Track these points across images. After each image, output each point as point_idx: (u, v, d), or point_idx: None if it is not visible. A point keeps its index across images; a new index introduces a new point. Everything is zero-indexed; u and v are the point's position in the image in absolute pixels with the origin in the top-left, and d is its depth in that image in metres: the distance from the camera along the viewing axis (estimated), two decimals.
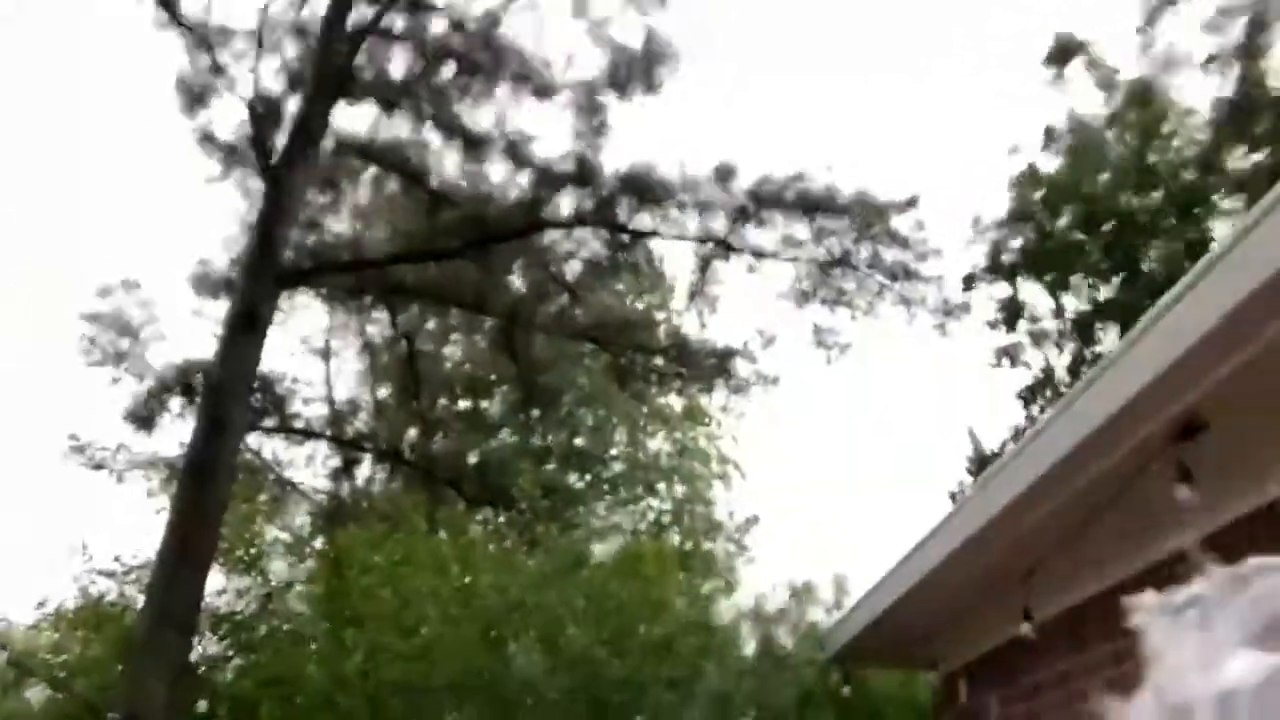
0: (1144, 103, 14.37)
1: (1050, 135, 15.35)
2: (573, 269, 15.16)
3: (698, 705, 6.13)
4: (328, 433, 17.04)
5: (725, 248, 11.98)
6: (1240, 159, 13.96)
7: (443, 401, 21.12)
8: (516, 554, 7.25)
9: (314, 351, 18.49)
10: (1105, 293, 14.41)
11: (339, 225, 18.17)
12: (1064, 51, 15.15)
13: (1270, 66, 14.10)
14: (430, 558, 6.83)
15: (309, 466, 16.14)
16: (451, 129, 15.33)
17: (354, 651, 6.17)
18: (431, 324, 20.84)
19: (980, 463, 14.14)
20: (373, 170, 16.33)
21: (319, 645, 6.77)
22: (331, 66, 12.93)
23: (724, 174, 11.74)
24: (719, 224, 12.04)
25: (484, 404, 21.43)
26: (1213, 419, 2.72)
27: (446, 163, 15.85)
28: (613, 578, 6.69)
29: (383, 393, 21.55)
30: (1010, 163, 15.44)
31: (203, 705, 7.12)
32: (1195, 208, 13.81)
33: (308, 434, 16.07)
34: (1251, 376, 2.47)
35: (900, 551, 4.67)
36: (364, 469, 18.73)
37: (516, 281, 15.66)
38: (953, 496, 14.47)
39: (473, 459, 17.46)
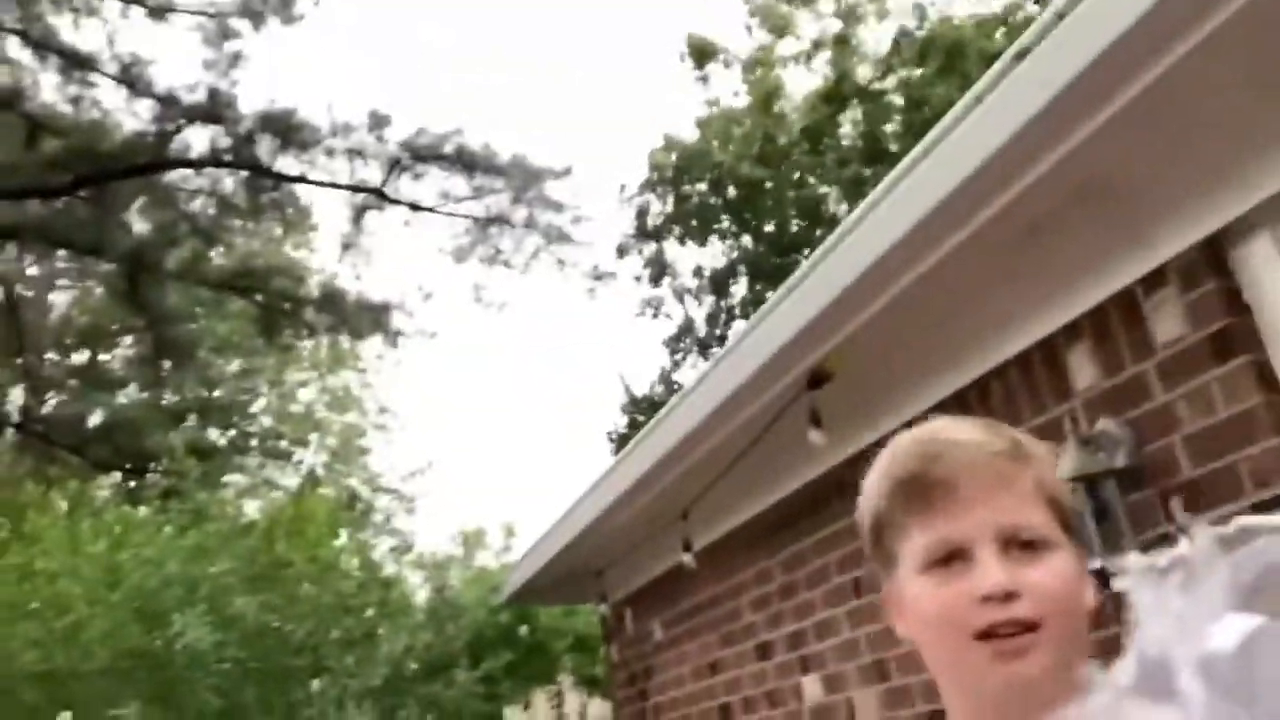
0: (763, 90, 15.86)
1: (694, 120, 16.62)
2: (206, 211, 14.04)
3: (375, 662, 6.18)
4: None
5: (380, 198, 11.73)
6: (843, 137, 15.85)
7: (53, 356, 18.78)
8: (167, 523, 6.79)
9: None
10: (735, 252, 15.87)
11: None
12: (699, 52, 16.42)
13: (859, 55, 16.16)
14: (64, 533, 6.23)
15: None
16: (46, 45, 13.46)
17: None
18: (34, 268, 18.38)
19: (633, 404, 15.14)
20: None
21: None
22: None
23: (377, 121, 11.47)
24: (373, 174, 11.77)
25: (103, 358, 19.34)
26: (836, 371, 3.22)
27: (46, 88, 13.97)
28: (277, 539, 6.49)
29: None
30: (654, 139, 16.62)
31: None
32: (804, 176, 15.54)
33: None
34: (865, 338, 2.97)
35: (567, 495, 5.02)
36: None
37: (139, 223, 14.24)
38: (609, 436, 15.40)
39: (95, 420, 15.76)
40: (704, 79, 16.73)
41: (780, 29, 16.54)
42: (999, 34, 14.46)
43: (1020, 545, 0.94)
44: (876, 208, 2.70)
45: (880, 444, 3.49)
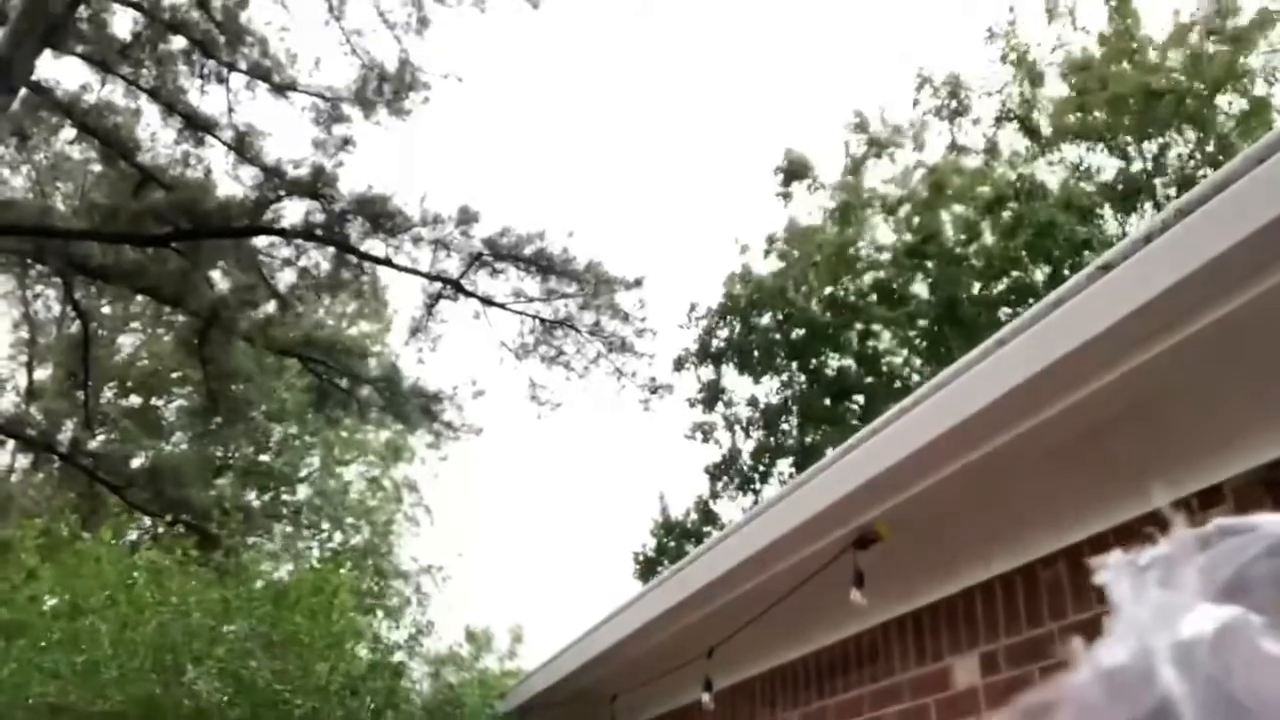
0: (842, 240, 16.16)
1: (771, 241, 16.96)
2: (287, 280, 14.54)
3: None
4: None
5: (456, 289, 12.11)
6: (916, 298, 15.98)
7: (111, 395, 19.26)
8: (198, 575, 6.87)
9: None
10: (789, 389, 15.94)
11: (19, 180, 16.28)
12: (792, 170, 16.86)
13: (942, 214, 16.46)
14: (97, 570, 6.33)
15: None
16: (172, 105, 14.29)
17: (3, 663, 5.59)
18: (109, 308, 19.05)
19: (665, 528, 15.05)
20: (73, 132, 14.86)
21: None
22: (44, 5, 11.78)
23: (466, 217, 11.91)
24: (453, 265, 12.18)
25: (157, 403, 19.77)
26: (886, 536, 3.26)
27: (161, 143, 14.73)
28: (298, 609, 6.52)
29: (40, 375, 19.33)
30: (731, 260, 16.91)
31: None
32: (873, 326, 15.68)
33: None
34: (918, 505, 3.03)
35: (581, 607, 5.02)
36: (4, 456, 16.65)
37: (220, 281, 14.75)
38: (635, 557, 15.27)
39: (138, 462, 16.05)
40: (787, 196, 16.95)
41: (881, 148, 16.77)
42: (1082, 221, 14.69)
43: None
44: (946, 387, 2.80)
45: (919, 614, 3.49)
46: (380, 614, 12.77)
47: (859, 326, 15.76)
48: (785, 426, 15.70)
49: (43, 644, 5.63)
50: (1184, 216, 1.96)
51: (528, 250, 11.78)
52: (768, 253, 16.78)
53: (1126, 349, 2.16)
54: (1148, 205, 14.87)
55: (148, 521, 14.24)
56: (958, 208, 16.16)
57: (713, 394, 16.04)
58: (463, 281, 12.28)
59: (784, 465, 15.55)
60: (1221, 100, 14.98)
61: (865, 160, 17.05)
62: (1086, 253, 13.43)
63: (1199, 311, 2.01)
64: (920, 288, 15.95)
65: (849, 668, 3.78)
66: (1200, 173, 14.25)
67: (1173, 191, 14.27)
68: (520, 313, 12.35)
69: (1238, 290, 1.94)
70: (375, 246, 12.51)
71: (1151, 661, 0.71)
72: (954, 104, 16.71)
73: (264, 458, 16.62)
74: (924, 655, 3.42)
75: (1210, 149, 14.66)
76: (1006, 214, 15.22)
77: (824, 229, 16.61)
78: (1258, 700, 0.67)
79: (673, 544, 15.00)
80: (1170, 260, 1.96)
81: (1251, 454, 2.36)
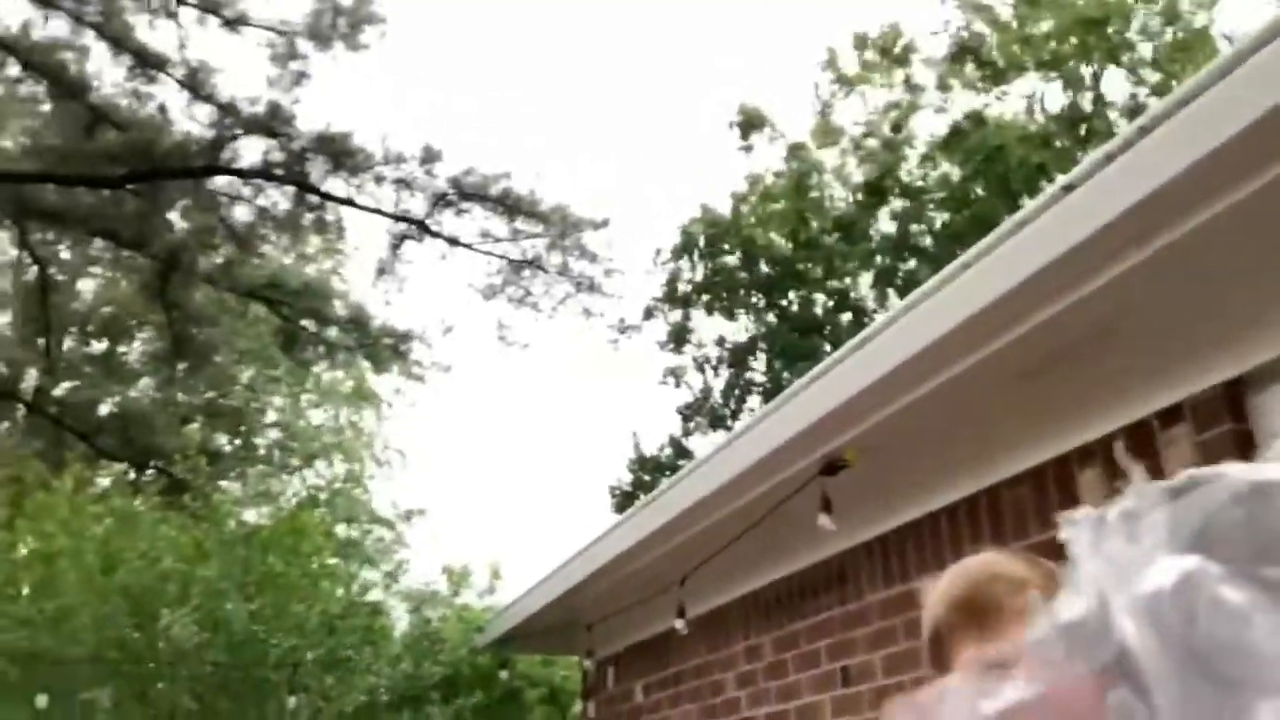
0: (801, 171, 16.17)
1: (735, 192, 16.90)
2: (246, 221, 14.26)
3: (353, 687, 6.18)
4: None
5: (421, 230, 11.94)
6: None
7: (72, 342, 18.93)
8: (165, 520, 6.85)
9: None
10: (759, 328, 16.01)
11: None
12: (748, 123, 16.77)
13: (906, 149, 16.50)
14: (66, 517, 6.29)
15: None
16: (120, 41, 13.82)
17: None
18: (67, 253, 18.63)
19: (640, 463, 15.18)
20: (17, 70, 14.37)
21: None
22: None
23: (429, 156, 11.71)
24: (417, 205, 12.00)
25: (121, 349, 19.48)
26: (853, 461, 3.29)
27: (110, 82, 14.30)
28: (272, 551, 6.53)
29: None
30: (694, 208, 16.91)
31: None
32: (836, 262, 15.74)
33: None
34: (885, 434, 3.06)
35: (560, 544, 5.06)
36: None
37: (180, 223, 14.46)
38: (612, 491, 15.42)
39: (105, 409, 15.85)
40: (748, 149, 17.00)
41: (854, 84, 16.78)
42: (1039, 148, 14.74)
43: None
44: (911, 311, 2.80)
45: (885, 538, 3.54)
46: (357, 556, 12.83)
47: (822, 264, 15.80)
48: (755, 364, 15.80)
49: (12, 592, 5.61)
50: (1146, 134, 1.94)
51: (493, 190, 11.63)
52: (736, 199, 16.74)
53: (1090, 269, 2.16)
54: (1099, 134, 14.99)
55: (117, 468, 14.13)
56: (918, 144, 16.20)
57: (680, 335, 16.08)
58: (428, 222, 12.12)
59: (754, 402, 15.67)
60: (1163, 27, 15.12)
61: (832, 102, 16.99)
62: (1044, 182, 13.52)
63: (1162, 229, 2.01)
64: (884, 224, 16.03)
65: (819, 592, 3.84)
66: (1147, 98, 14.37)
67: (1122, 122, 14.41)
68: (487, 253, 12.23)
69: (1200, 207, 1.94)
70: (337, 186, 12.29)
71: (1109, 614, 0.71)
72: (901, 50, 16.73)
73: (231, 399, 16.44)
74: (891, 578, 3.48)
75: (1157, 78, 14.79)
76: (963, 147, 15.25)
77: (785, 171, 16.59)
78: (1218, 647, 0.68)
79: (648, 479, 15.14)
80: (1134, 178, 1.95)
81: (1211, 372, 2.38)
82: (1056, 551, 2.87)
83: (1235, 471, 0.77)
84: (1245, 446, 2.30)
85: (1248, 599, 0.69)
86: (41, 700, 5.33)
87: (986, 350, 2.54)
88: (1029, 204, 2.33)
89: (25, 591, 5.66)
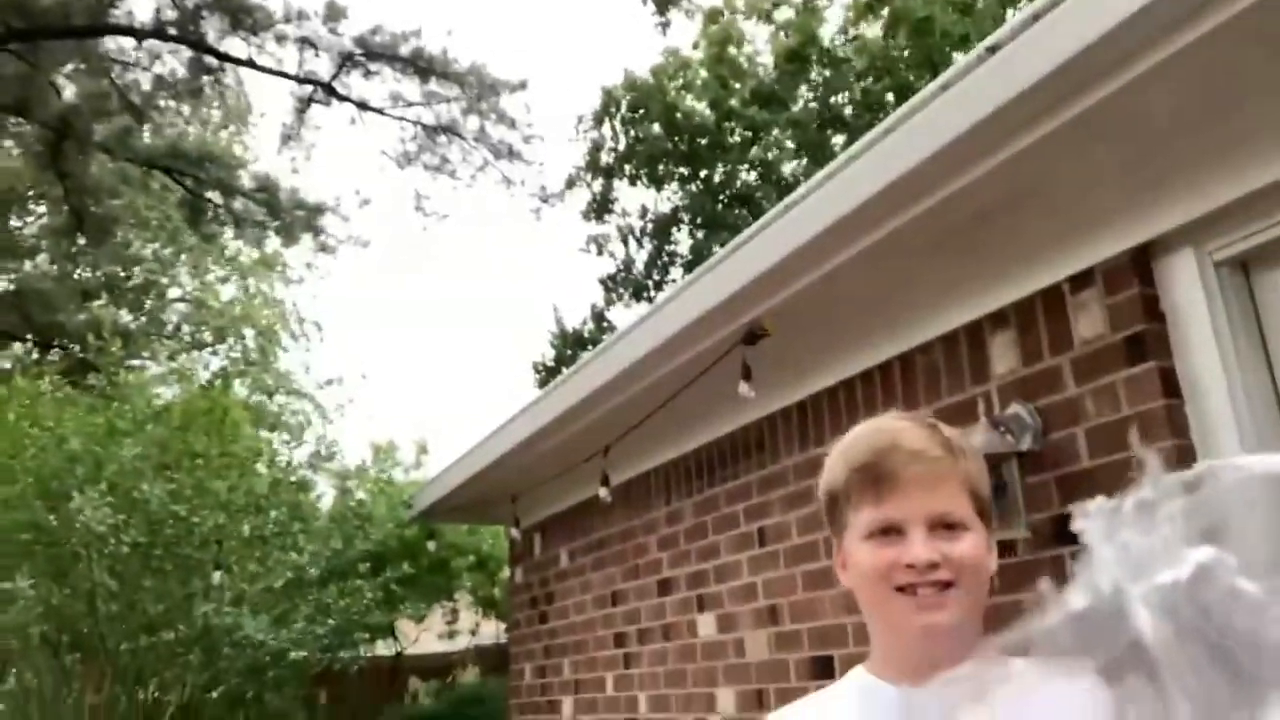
0: (720, 39, 15.77)
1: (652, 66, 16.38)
2: (143, 90, 13.46)
3: (280, 564, 6.19)
4: None
5: (328, 92, 11.39)
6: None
7: None
8: (75, 400, 6.65)
9: None
10: (683, 199, 15.86)
11: None
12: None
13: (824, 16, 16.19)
14: None
15: None
16: None
17: None
18: None
19: (562, 338, 15.16)
20: None
21: None
22: None
23: (333, 13, 11.07)
24: (323, 67, 11.41)
25: (15, 224, 18.53)
26: (772, 330, 3.31)
27: None
28: (190, 430, 6.41)
29: None
30: (614, 76, 16.36)
31: None
32: (759, 133, 15.57)
33: None
34: (803, 302, 3.07)
35: (483, 419, 5.07)
36: None
37: (69, 89, 13.61)
38: (535, 367, 15.43)
39: (1, 286, 15.15)
40: (664, 25, 16.55)
41: None
42: (963, 17, 14.60)
43: (945, 526, 1.21)
44: (829, 180, 2.78)
45: (803, 404, 3.60)
46: (280, 432, 12.69)
47: (746, 134, 15.61)
48: (678, 235, 15.73)
49: None
50: None
51: (403, 50, 11.10)
52: (656, 71, 16.28)
53: (1013, 132, 2.15)
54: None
55: (18, 348, 13.63)
56: (836, 9, 15.90)
57: (603, 205, 15.86)
58: (334, 84, 11.57)
59: (677, 273, 15.66)
60: None
61: None
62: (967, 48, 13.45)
63: (1086, 91, 2.00)
64: (804, 93, 15.82)
65: (738, 457, 3.93)
66: None
67: None
68: (400, 118, 11.77)
69: (1122, 70, 1.93)
70: (235, 46, 11.61)
71: (1123, 604, 0.72)
72: None
73: (133, 274, 15.83)
74: (807, 441, 3.57)
75: None
76: (884, 12, 15.01)
77: (703, 36, 16.16)
78: (1234, 639, 0.70)
79: (570, 353, 15.17)
80: (1060, 39, 1.92)
81: (1121, 239, 2.42)
82: (965, 413, 2.94)
83: (1252, 463, 0.76)
84: (1152, 310, 2.37)
85: (1264, 590, 0.70)
86: None
87: (906, 217, 2.54)
88: (953, 66, 2.30)
89: None
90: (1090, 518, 0.80)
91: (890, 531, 1.22)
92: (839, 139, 15.40)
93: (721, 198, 15.50)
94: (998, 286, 2.78)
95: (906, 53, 14.78)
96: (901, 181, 2.39)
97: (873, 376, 3.27)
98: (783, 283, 3.02)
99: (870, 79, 15.28)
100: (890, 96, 14.88)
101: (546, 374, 15.41)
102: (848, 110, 15.66)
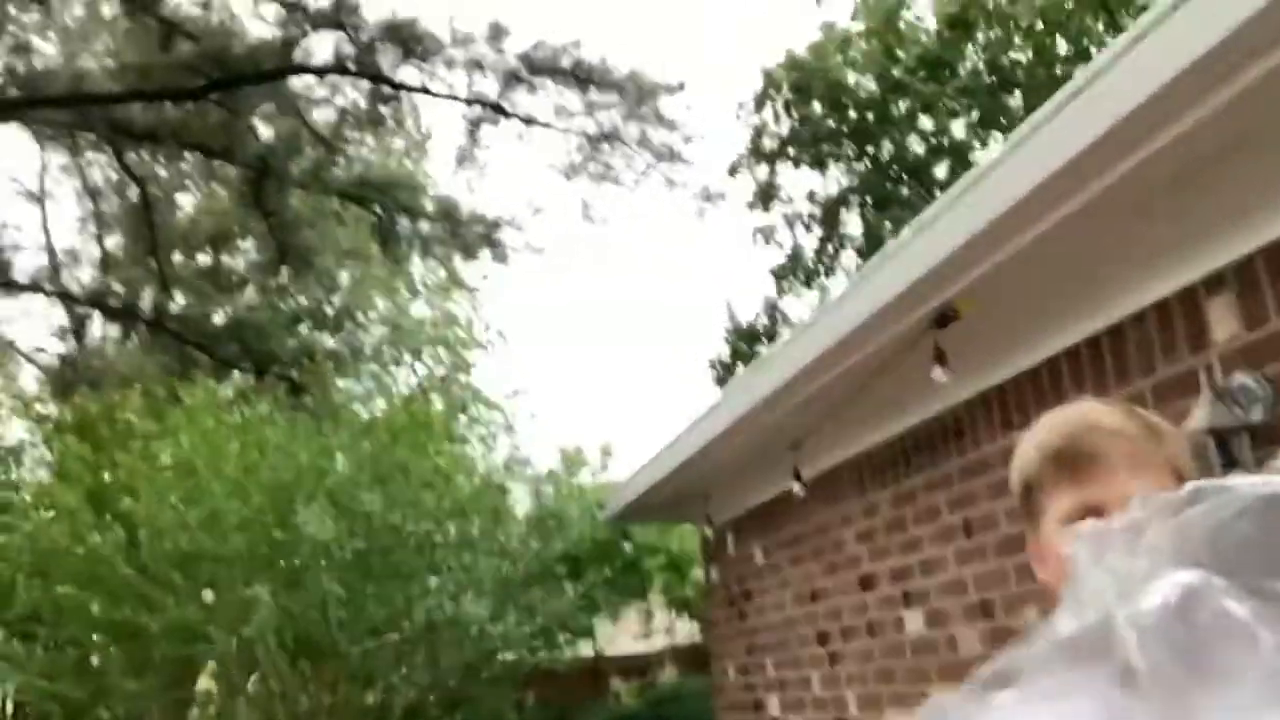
0: (884, 9, 15.28)
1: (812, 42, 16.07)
2: (327, 120, 14.33)
3: (490, 562, 6.48)
4: (47, 287, 15.54)
5: (496, 111, 11.79)
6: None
7: (179, 256, 19.58)
8: (298, 421, 7.18)
9: (25, 195, 16.61)
10: (851, 179, 15.50)
11: (49, 49, 16.08)
12: None
13: None
14: (203, 430, 6.64)
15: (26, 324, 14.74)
16: None
17: (113, 525, 5.98)
18: (163, 170, 19.08)
19: (736, 333, 15.14)
20: None
21: (75, 519, 6.48)
22: None
23: (496, 33, 11.45)
24: (489, 86, 11.81)
25: (226, 261, 20.10)
26: (965, 311, 3.20)
27: None
28: (397, 443, 6.80)
29: (110, 244, 19.67)
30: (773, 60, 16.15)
31: None
32: (929, 106, 15.02)
33: (26, 288, 14.62)
34: (998, 280, 2.95)
35: (666, 419, 5.13)
36: (94, 328, 17.23)
37: (265, 130, 14.62)
38: (712, 365, 15.47)
39: (218, 320, 16.47)
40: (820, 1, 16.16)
41: None
42: None
43: None
44: (1019, 148, 2.66)
45: (1002, 387, 3.44)
46: (476, 442, 13.25)
47: (914, 104, 15.07)
48: (848, 217, 15.37)
49: (161, 501, 5.99)
50: None
51: (564, 63, 11.33)
52: (816, 48, 15.95)
53: (1219, 78, 2.00)
54: None
55: (238, 377, 14.77)
56: None
57: (768, 193, 15.68)
58: (502, 102, 11.94)
59: (849, 257, 15.31)
60: None
61: None
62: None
63: None
64: (971, 53, 15.13)
65: (935, 445, 3.81)
66: None
67: None
68: (565, 130, 12.03)
69: None
70: (409, 75, 12.18)
71: (1111, 629, 0.70)
72: None
73: (334, 301, 16.86)
74: (1011, 426, 3.42)
75: None
76: None
77: (863, 7, 15.68)
78: (1223, 662, 0.66)
79: (745, 348, 15.10)
80: None
81: None
82: (1185, 386, 2.74)
83: (1243, 484, 0.74)
84: None
85: (1253, 613, 0.68)
86: (208, 595, 5.78)
87: (1103, 182, 2.40)
88: (1142, 18, 2.16)
89: (174, 501, 6.04)
90: (1080, 540, 0.78)
91: (1093, 516, 1.12)
92: (1013, 101, 14.67)
93: (891, 172, 15.05)
94: (1212, 248, 2.58)
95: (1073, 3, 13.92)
96: (1098, 144, 2.26)
97: (1078, 353, 3.10)
98: (972, 263, 2.91)
99: (1044, 36, 14.48)
100: (1062, 48, 14.05)
101: (724, 370, 15.39)
102: (1018, 71, 14.91)
